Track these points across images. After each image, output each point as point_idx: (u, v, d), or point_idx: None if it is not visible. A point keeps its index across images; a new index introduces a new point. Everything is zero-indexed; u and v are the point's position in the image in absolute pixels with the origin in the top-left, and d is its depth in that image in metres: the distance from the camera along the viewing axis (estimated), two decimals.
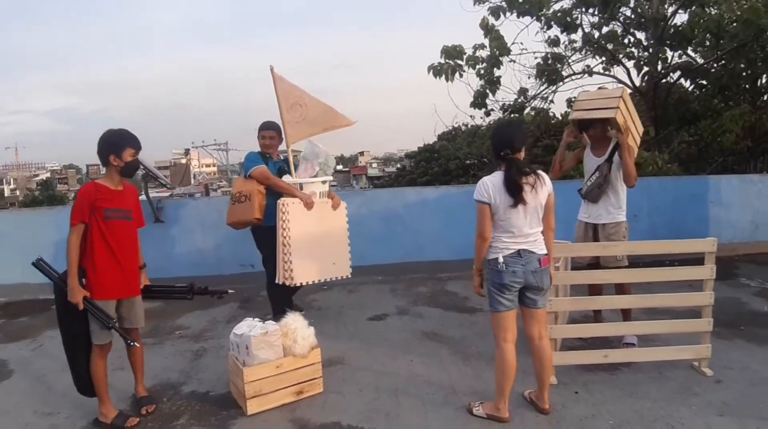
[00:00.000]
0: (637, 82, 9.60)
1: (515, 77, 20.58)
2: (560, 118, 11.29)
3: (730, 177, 7.31)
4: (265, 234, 4.20)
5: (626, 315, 3.90)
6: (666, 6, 8.68)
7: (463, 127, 14.41)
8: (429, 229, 6.34)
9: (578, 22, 8.73)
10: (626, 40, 9.60)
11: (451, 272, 6.16)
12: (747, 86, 8.99)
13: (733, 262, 6.41)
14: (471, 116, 10.75)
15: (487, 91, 9.39)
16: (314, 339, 3.27)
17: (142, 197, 5.17)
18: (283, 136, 4.31)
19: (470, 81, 9.30)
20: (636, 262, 4.05)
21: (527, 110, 10.38)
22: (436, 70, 8.60)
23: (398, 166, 34.21)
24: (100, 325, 2.84)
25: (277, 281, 4.07)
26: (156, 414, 3.06)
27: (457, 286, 5.68)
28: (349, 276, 4.38)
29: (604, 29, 9.45)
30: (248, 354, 3.02)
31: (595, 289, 3.96)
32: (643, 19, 9.03)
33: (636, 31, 9.43)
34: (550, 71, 9.42)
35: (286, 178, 4.25)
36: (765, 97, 9.15)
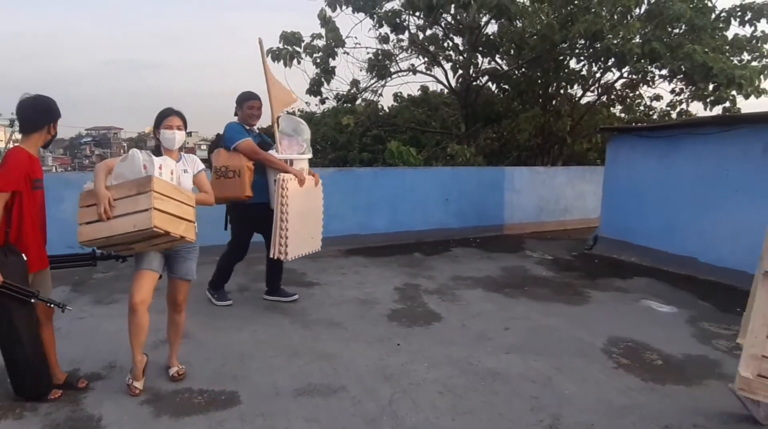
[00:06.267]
0: (453, 83, 10.81)
1: (348, 69, 21.31)
2: (388, 110, 12.20)
3: (521, 168, 8.75)
4: (249, 210, 4.16)
5: None
6: (480, 16, 9.79)
7: (298, 113, 14.68)
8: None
9: (406, 23, 9.54)
10: (446, 44, 10.74)
11: None
12: (541, 92, 10.60)
13: (522, 238, 7.79)
14: (306, 103, 11.09)
15: (323, 79, 9.80)
16: None
17: None
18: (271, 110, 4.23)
19: (307, 69, 9.63)
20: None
21: (359, 101, 11.03)
22: (275, 55, 8.75)
23: None
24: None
25: (271, 256, 4.09)
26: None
27: (294, 264, 5.98)
28: (319, 249, 4.57)
29: (428, 32, 10.45)
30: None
31: None
32: (461, 26, 10.18)
33: (454, 37, 10.59)
34: (380, 66, 10.15)
35: (271, 153, 4.16)
36: (554, 102, 10.84)
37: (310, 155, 4.37)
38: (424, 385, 3.11)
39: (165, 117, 3.04)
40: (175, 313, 3.17)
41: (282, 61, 8.80)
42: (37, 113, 2.77)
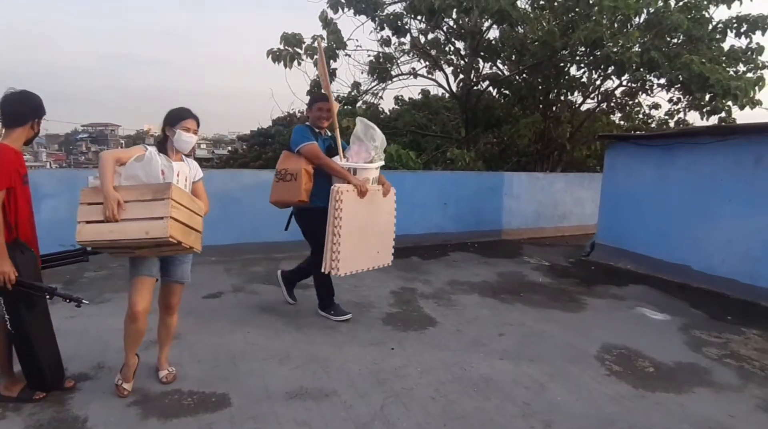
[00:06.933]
0: (454, 88, 10.81)
1: (350, 71, 21.34)
2: (388, 113, 12.21)
3: (520, 174, 8.74)
4: (311, 215, 3.97)
5: None
6: (482, 21, 9.80)
7: (299, 114, 14.72)
8: (265, 210, 6.54)
9: (407, 27, 9.54)
10: (447, 48, 10.75)
11: (285, 253, 6.47)
12: (541, 98, 10.60)
13: (519, 244, 7.78)
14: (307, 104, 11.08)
15: None
16: None
17: None
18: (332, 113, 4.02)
19: (308, 70, 9.63)
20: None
21: (359, 104, 11.03)
22: (275, 56, 8.75)
23: (230, 148, 33.11)
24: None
25: (322, 270, 3.84)
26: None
27: (291, 265, 5.98)
28: (390, 264, 4.29)
29: (430, 36, 10.46)
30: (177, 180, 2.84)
31: None
32: (462, 31, 10.18)
33: (456, 41, 10.60)
34: (381, 69, 10.16)
35: (335, 159, 3.94)
36: (554, 109, 10.86)
37: (380, 163, 4.05)
38: (417, 390, 3.10)
39: (183, 118, 2.91)
40: (167, 316, 3.13)
41: (282, 63, 8.79)
42: (25, 107, 2.73)
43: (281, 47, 8.84)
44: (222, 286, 5.14)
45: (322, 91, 4.27)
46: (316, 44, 3.82)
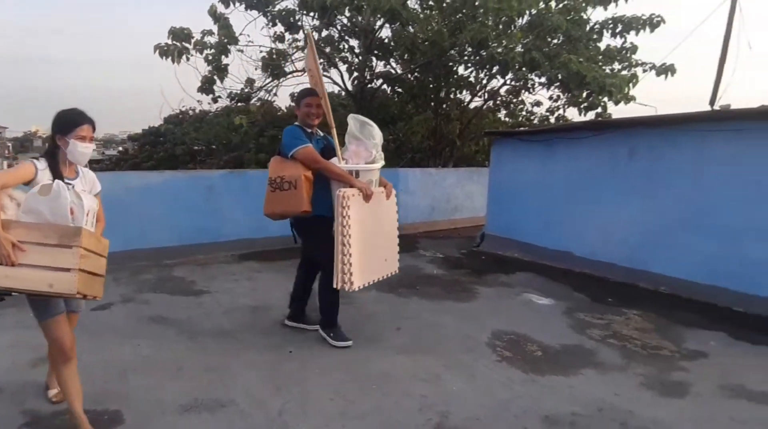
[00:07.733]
0: (349, 86, 10.88)
1: (243, 67, 20.70)
2: (285, 110, 12.03)
3: (414, 170, 9.02)
4: (314, 225, 3.62)
5: None
6: (374, 19, 9.87)
7: (191, 112, 14.07)
8: (153, 214, 6.22)
9: (300, 23, 9.43)
10: (341, 46, 10.76)
11: (176, 258, 6.20)
12: (432, 96, 10.96)
13: (415, 238, 8.03)
14: (198, 101, 10.59)
15: (215, 77, 9.43)
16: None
17: None
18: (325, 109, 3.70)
19: (199, 66, 9.22)
20: None
21: (253, 100, 10.76)
22: (163, 51, 8.30)
23: (120, 149, 31.34)
24: None
25: (334, 286, 3.51)
26: None
27: (183, 271, 5.77)
28: (398, 271, 4.02)
29: (324, 33, 10.40)
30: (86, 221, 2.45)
31: None
32: (356, 29, 10.23)
33: (350, 39, 10.64)
34: (274, 65, 9.96)
35: (333, 161, 3.58)
36: (444, 106, 11.28)
37: (381, 164, 3.75)
38: (315, 393, 3.12)
39: (77, 125, 2.48)
40: None
41: (170, 58, 8.35)
42: None
43: (169, 42, 8.40)
44: (111, 296, 4.80)
45: (310, 85, 4.03)
46: (306, 35, 3.53)
